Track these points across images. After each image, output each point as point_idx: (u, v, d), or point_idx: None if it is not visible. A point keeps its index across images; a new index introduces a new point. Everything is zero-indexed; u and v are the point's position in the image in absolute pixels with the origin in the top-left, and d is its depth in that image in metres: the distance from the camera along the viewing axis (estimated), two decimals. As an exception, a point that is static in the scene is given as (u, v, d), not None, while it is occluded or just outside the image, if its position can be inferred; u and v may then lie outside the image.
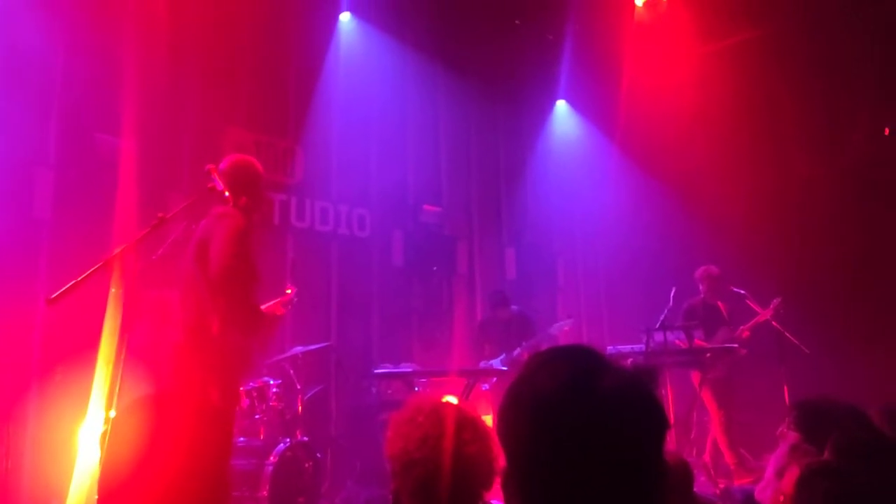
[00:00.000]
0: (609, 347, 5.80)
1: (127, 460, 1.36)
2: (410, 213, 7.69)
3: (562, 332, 6.50)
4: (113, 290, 2.44)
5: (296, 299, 3.87)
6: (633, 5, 7.87)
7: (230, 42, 6.27)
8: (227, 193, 3.21)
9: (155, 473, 1.34)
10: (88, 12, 5.26)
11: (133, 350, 2.88)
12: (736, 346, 5.79)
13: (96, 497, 1.41)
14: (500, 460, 1.09)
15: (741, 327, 6.16)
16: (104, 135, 5.32)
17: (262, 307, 3.57)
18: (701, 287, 6.34)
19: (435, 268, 7.77)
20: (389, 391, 6.00)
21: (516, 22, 8.14)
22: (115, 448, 1.40)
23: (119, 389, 2.57)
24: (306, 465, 4.50)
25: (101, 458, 1.42)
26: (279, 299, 3.84)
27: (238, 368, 3.21)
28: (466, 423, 1.81)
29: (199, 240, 3.29)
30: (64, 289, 2.42)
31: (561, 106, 9.23)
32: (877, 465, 1.97)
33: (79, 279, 2.47)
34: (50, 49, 5.18)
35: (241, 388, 4.52)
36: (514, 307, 6.67)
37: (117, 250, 2.56)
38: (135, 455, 1.35)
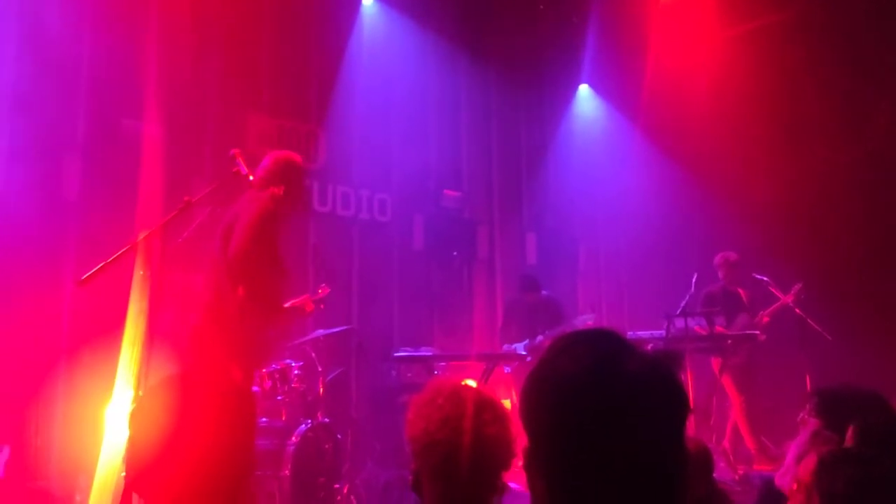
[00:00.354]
0: (629, 333, 5.79)
1: (153, 439, 1.39)
2: (431, 197, 7.70)
3: (585, 325, 6.48)
4: (139, 273, 2.49)
5: (327, 298, 3.95)
6: (658, -12, 7.76)
7: (253, 28, 6.31)
8: (251, 178, 3.26)
9: (181, 452, 1.37)
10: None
11: (159, 332, 2.94)
12: (757, 332, 5.76)
13: (123, 475, 1.45)
14: (520, 442, 1.11)
15: (761, 313, 6.12)
16: (130, 120, 5.39)
17: (293, 301, 3.63)
18: (720, 274, 6.29)
19: (455, 252, 7.78)
20: (409, 374, 6.06)
21: (540, 6, 8.08)
22: (141, 427, 1.43)
23: (145, 370, 2.63)
24: (327, 445, 4.55)
25: (128, 437, 1.45)
26: (309, 295, 3.91)
27: (258, 350, 3.26)
28: (486, 405, 1.83)
29: (228, 223, 3.34)
30: (93, 270, 2.48)
31: (584, 90, 9.15)
32: (881, 449, 1.95)
33: (108, 261, 2.52)
34: (77, 36, 5.25)
35: (264, 370, 4.59)
36: (544, 292, 6.67)
37: (144, 233, 2.61)
38: (161, 434, 1.38)
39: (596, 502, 0.95)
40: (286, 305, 3.62)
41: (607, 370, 0.97)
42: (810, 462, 2.06)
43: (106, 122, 5.33)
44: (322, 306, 3.94)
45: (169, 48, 5.41)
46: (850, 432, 2.21)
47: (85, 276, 2.46)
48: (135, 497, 1.72)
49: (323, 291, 4.17)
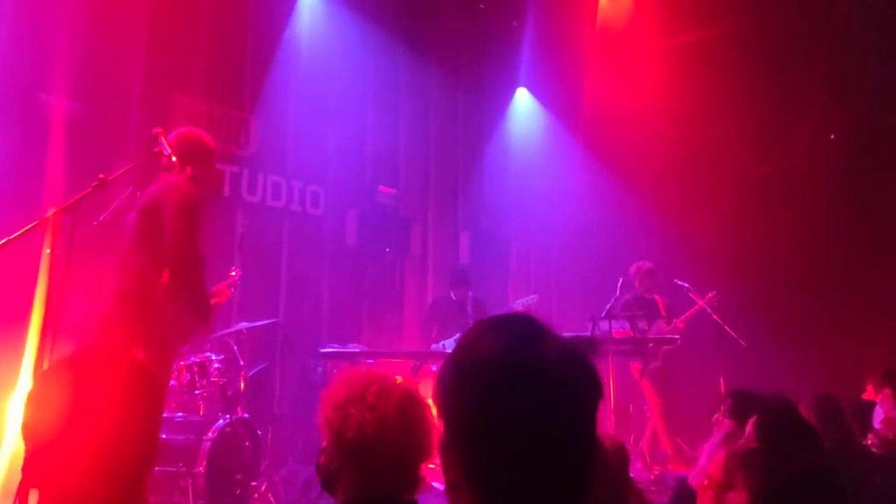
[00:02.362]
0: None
1: (49, 423, 1.30)
2: (366, 192, 7.62)
3: (527, 307, 6.46)
4: (46, 252, 2.34)
5: (239, 282, 3.85)
6: (598, -3, 7.93)
7: (187, 6, 6.07)
8: (174, 159, 3.13)
9: (78, 436, 1.29)
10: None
11: (66, 318, 2.78)
12: (676, 336, 5.94)
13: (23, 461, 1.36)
14: (438, 429, 1.08)
15: (675, 320, 6.32)
16: (48, 95, 5.10)
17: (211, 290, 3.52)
18: (635, 283, 6.45)
19: (388, 249, 7.72)
20: (336, 371, 5.96)
21: (481, 6, 8.12)
22: (36, 411, 1.35)
23: (48, 355, 2.47)
24: (246, 442, 4.44)
25: (22, 421, 1.35)
26: (224, 282, 3.80)
27: (169, 337, 3.13)
28: (414, 401, 1.82)
29: (146, 206, 3.19)
30: (-8, 246, 2.32)
31: (521, 93, 9.25)
32: (795, 445, 2.03)
33: (10, 238, 2.36)
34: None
35: (182, 363, 4.43)
36: (471, 293, 6.67)
37: (52, 211, 2.46)
38: (57, 417, 1.30)
39: (509, 484, 0.94)
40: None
41: (525, 353, 0.97)
42: (719, 458, 2.11)
43: (22, 96, 5.02)
44: (232, 290, 3.82)
45: (94, 21, 5.15)
46: (749, 425, 2.29)
47: (-17, 253, 2.30)
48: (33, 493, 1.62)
49: (235, 275, 4.05)
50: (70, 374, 1.35)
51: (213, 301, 3.54)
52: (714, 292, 6.26)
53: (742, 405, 2.80)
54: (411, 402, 1.80)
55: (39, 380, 1.43)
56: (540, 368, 0.96)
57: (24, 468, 1.34)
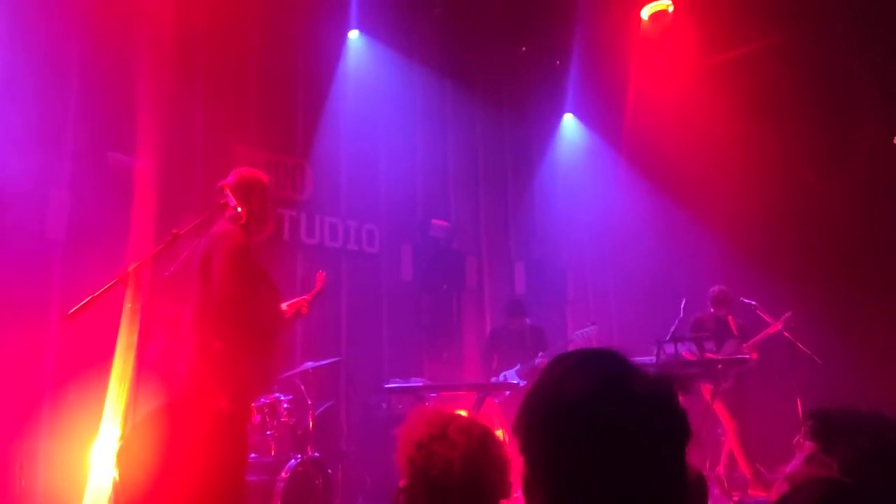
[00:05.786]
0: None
1: (142, 476, 1.36)
2: (419, 228, 7.72)
3: (586, 338, 6.42)
4: (127, 306, 2.47)
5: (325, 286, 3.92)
6: (639, 18, 7.92)
7: (239, 60, 6.36)
8: (239, 209, 3.25)
9: (171, 487, 1.35)
10: (101, 33, 5.34)
11: (147, 366, 2.90)
12: (747, 356, 5.77)
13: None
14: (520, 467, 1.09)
15: (744, 346, 6.13)
16: (118, 154, 5.38)
17: (288, 305, 3.64)
18: (711, 305, 6.33)
19: (445, 286, 7.76)
20: (400, 406, 6.00)
21: (522, 49, 8.22)
22: (129, 465, 1.40)
23: (133, 406, 2.58)
24: (317, 480, 4.49)
25: (116, 476, 1.42)
26: (304, 296, 3.85)
27: (247, 382, 3.22)
28: (489, 437, 1.83)
29: (202, 258, 3.32)
30: (82, 304, 2.45)
31: (568, 119, 9.26)
32: (876, 475, 1.93)
33: (96, 294, 2.50)
34: (63, 69, 5.27)
35: (253, 405, 4.53)
36: (528, 320, 6.65)
37: (132, 266, 2.59)
38: (150, 470, 1.36)
39: None
40: (284, 309, 3.62)
41: (614, 393, 0.97)
42: (782, 488, 2.04)
43: (93, 155, 5.31)
44: (312, 300, 3.84)
45: (155, 81, 5.43)
46: (836, 459, 2.19)
47: (72, 310, 2.44)
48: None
49: (319, 282, 4.01)
50: (160, 426, 1.41)
51: (289, 314, 3.63)
52: (789, 313, 6.06)
53: (826, 426, 2.68)
54: (490, 440, 1.81)
55: (131, 433, 1.50)
56: (630, 409, 0.96)
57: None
